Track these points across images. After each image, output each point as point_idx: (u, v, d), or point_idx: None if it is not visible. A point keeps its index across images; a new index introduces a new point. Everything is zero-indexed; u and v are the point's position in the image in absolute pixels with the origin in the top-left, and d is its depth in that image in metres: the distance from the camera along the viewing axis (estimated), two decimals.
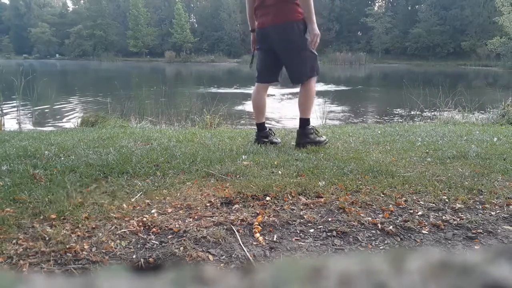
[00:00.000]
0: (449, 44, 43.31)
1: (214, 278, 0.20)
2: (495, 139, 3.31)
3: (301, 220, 1.62)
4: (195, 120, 5.56)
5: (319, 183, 2.02)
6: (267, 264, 0.22)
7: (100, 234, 1.46)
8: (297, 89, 3.12)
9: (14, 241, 1.39)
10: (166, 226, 1.53)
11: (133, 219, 1.59)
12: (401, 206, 1.77)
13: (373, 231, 1.54)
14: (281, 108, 8.99)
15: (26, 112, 7.44)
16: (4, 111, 6.15)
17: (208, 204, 1.77)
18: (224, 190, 1.93)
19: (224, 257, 1.35)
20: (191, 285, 0.19)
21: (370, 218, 1.63)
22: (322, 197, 1.85)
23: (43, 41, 56.37)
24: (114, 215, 1.61)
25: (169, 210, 1.70)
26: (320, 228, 1.56)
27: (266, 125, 3.20)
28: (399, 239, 1.49)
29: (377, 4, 53.79)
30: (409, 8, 48.67)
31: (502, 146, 3.01)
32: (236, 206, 1.75)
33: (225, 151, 2.75)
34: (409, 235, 1.52)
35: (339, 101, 9.56)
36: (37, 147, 2.77)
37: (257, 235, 1.49)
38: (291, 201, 1.81)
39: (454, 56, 42.26)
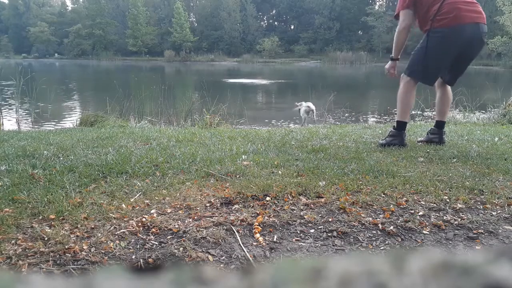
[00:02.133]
0: None
1: (214, 279, 0.19)
2: (496, 139, 3.31)
3: (302, 221, 1.62)
4: (194, 120, 5.56)
5: (320, 183, 2.02)
6: (267, 265, 0.21)
7: (99, 234, 1.46)
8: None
9: (13, 241, 1.39)
10: (165, 227, 1.53)
11: (132, 219, 1.59)
12: (402, 206, 1.76)
13: (374, 232, 1.54)
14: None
15: (25, 111, 7.45)
16: (3, 110, 6.15)
17: (207, 204, 1.76)
18: (224, 190, 1.93)
19: (224, 257, 1.35)
20: (190, 286, 0.19)
21: (370, 219, 1.63)
22: (322, 197, 1.84)
23: (42, 40, 56.36)
24: (113, 215, 1.61)
25: (169, 211, 1.69)
26: (321, 228, 1.56)
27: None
28: (400, 240, 1.49)
29: (377, 3, 53.88)
30: None
31: (503, 146, 3.01)
32: (236, 206, 1.75)
33: (225, 151, 2.75)
34: (410, 235, 1.52)
35: (340, 100, 9.56)
36: (36, 147, 2.77)
37: (257, 235, 1.49)
38: (291, 201, 1.80)
39: None
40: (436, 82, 3.15)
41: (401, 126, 3.02)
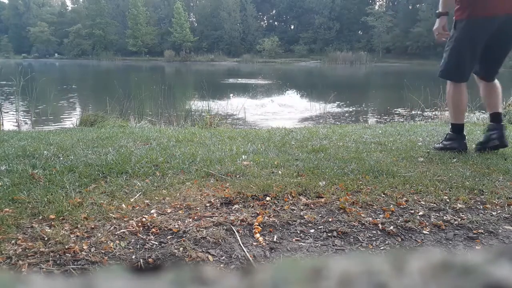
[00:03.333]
0: None
1: (214, 279, 0.19)
2: None
3: (302, 221, 1.62)
4: (194, 120, 5.57)
5: (320, 183, 2.02)
6: (267, 265, 0.21)
7: (99, 234, 1.46)
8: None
9: (13, 241, 1.39)
10: (165, 227, 1.53)
11: (132, 219, 1.59)
12: (402, 206, 1.76)
13: (374, 232, 1.54)
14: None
15: (25, 111, 7.45)
16: (3, 110, 6.16)
17: (207, 204, 1.76)
18: (224, 190, 1.93)
19: (224, 257, 1.35)
20: (190, 286, 0.19)
21: (370, 219, 1.63)
22: (322, 197, 1.84)
23: (42, 40, 56.37)
24: (113, 215, 1.61)
25: (169, 211, 1.69)
26: (321, 228, 1.56)
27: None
28: (400, 240, 1.49)
29: (377, 3, 53.89)
30: (410, 7, 48.71)
31: None
32: (236, 206, 1.75)
33: (225, 151, 2.75)
34: (410, 235, 1.52)
35: (340, 100, 9.57)
36: (36, 147, 2.77)
37: (257, 235, 1.49)
38: (291, 201, 1.80)
39: None
40: (476, 77, 2.86)
41: (457, 129, 2.81)
